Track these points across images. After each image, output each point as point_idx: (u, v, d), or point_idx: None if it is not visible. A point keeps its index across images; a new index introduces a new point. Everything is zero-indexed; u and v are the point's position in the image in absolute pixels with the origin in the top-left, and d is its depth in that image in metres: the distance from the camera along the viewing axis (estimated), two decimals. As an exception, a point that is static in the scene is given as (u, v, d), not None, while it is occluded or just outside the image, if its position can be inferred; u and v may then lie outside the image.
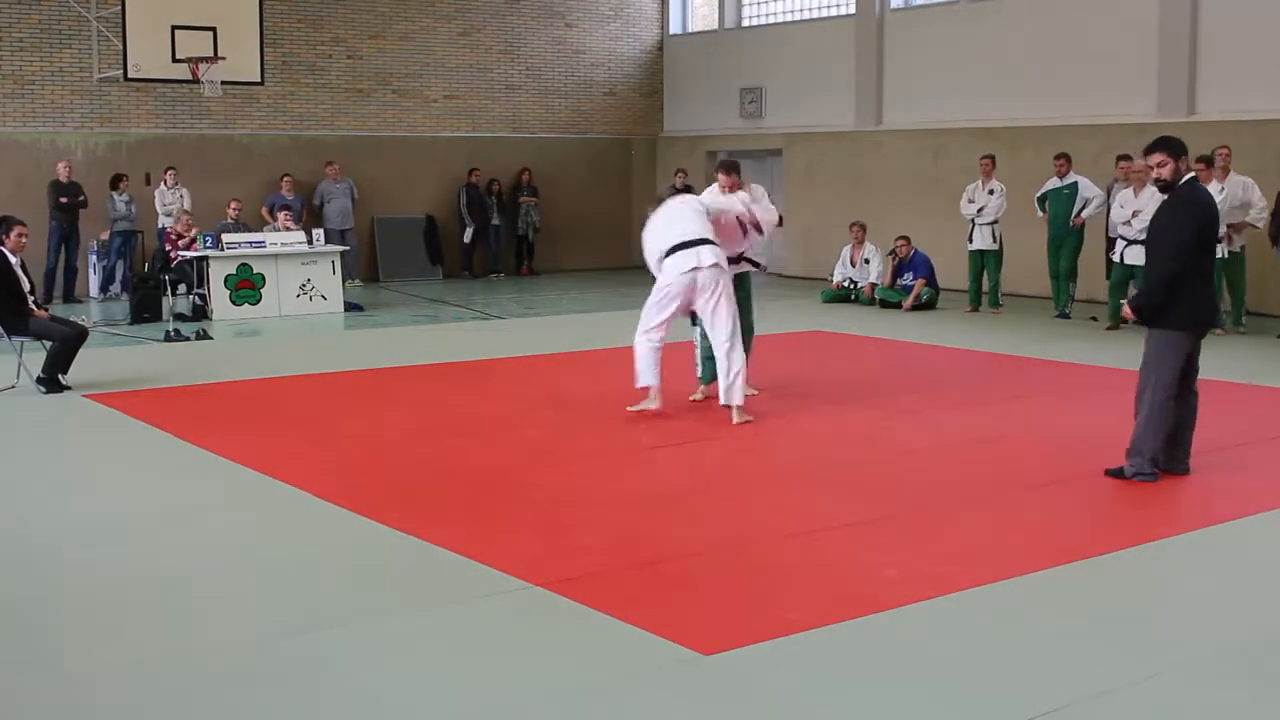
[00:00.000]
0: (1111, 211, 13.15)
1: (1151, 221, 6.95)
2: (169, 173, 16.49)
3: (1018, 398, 9.46)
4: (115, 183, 16.28)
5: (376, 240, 19.00)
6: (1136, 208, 12.72)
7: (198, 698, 4.18)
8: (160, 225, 16.04)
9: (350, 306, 15.06)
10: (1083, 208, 13.81)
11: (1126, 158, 13.41)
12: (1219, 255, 12.27)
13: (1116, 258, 13.03)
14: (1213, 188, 12.24)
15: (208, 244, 14.37)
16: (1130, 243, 12.81)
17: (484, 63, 19.86)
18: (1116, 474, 6.83)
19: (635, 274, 18.95)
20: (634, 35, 21.22)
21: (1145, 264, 7.24)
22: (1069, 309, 13.96)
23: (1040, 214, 14.20)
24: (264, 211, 16.81)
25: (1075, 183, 13.86)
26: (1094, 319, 13.51)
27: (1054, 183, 14.02)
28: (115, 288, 16.48)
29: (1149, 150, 6.82)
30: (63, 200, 15.74)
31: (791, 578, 5.35)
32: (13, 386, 9.65)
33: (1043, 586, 5.22)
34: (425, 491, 6.84)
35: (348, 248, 16.59)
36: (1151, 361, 6.76)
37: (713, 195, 8.98)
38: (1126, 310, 7.04)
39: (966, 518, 6.26)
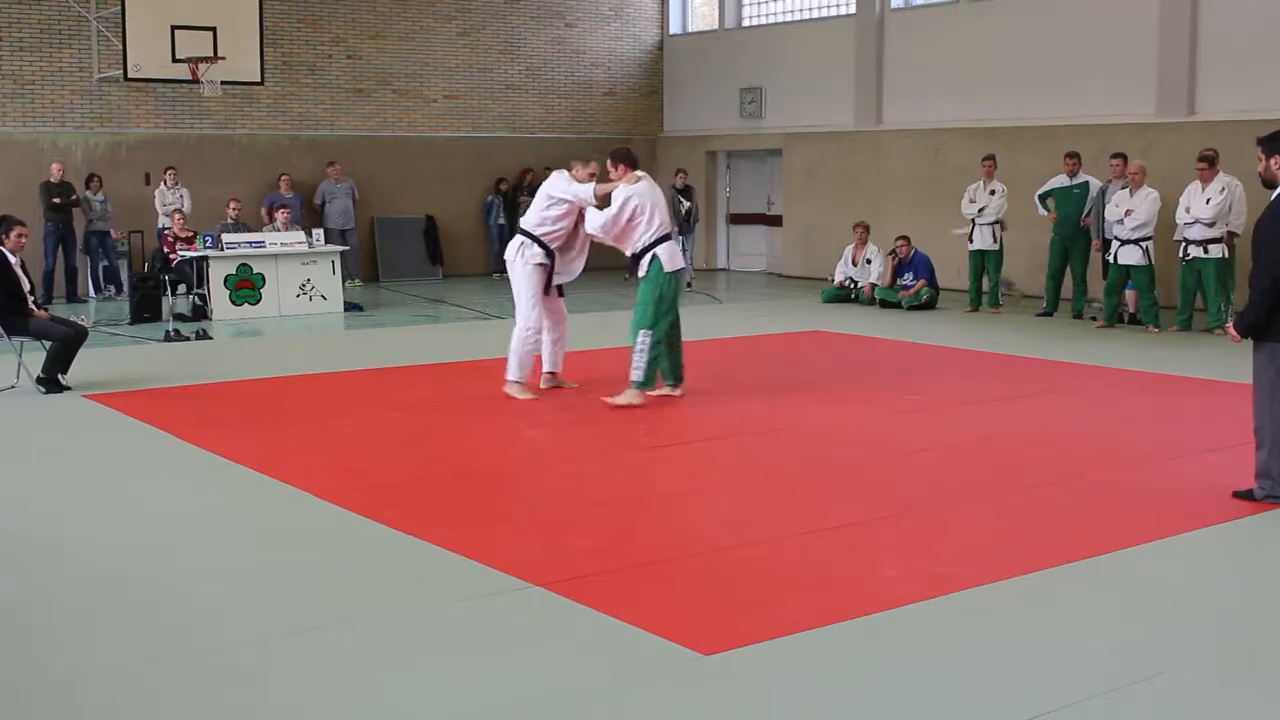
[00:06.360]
0: (1106, 211, 13.14)
1: (1256, 226, 6.40)
2: (168, 172, 16.50)
3: (1018, 398, 9.46)
4: (88, 182, 16.24)
5: (376, 240, 19.01)
6: (1130, 207, 12.73)
7: (197, 698, 4.18)
8: (160, 225, 16.04)
9: (350, 306, 15.06)
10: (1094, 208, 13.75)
11: (1120, 156, 13.41)
12: (1221, 255, 12.35)
13: (1110, 258, 13.03)
14: (1213, 186, 12.27)
15: (207, 244, 14.37)
16: (1124, 243, 12.81)
17: (484, 63, 19.86)
18: (1245, 496, 6.39)
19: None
20: (634, 35, 21.22)
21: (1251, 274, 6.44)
22: (1084, 310, 13.87)
23: (1043, 212, 14.13)
24: (263, 211, 16.80)
25: (1086, 182, 13.77)
26: (1093, 319, 13.50)
27: (1062, 180, 13.92)
28: (110, 288, 16.50)
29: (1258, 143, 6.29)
30: (55, 200, 15.74)
31: (791, 578, 5.34)
32: (13, 386, 9.65)
33: (1042, 586, 5.22)
34: (425, 491, 6.84)
35: (348, 247, 16.61)
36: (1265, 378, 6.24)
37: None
38: (1232, 333, 6.53)
39: (966, 518, 6.26)
